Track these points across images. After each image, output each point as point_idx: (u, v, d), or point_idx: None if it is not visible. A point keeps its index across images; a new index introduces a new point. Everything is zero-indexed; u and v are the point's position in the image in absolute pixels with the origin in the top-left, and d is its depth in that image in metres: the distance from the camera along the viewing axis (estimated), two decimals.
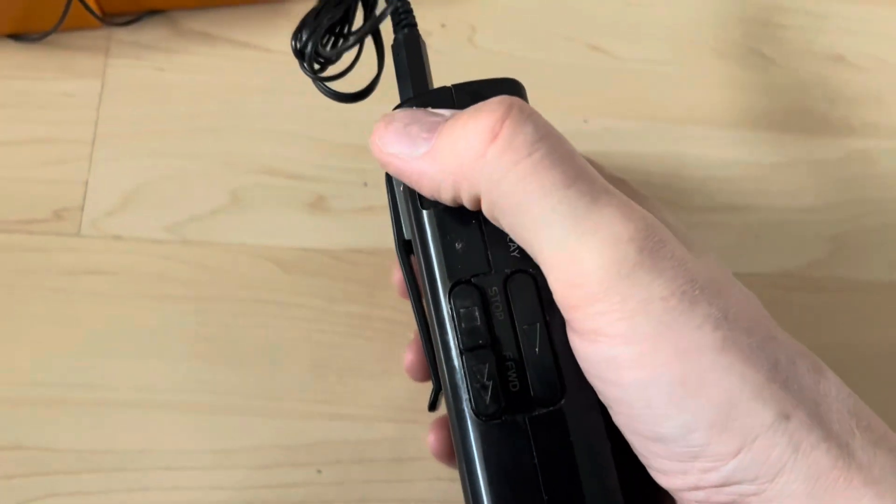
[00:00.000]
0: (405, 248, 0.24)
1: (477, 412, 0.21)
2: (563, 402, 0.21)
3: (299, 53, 0.23)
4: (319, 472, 0.32)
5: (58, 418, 0.31)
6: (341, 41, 0.24)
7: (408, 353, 0.29)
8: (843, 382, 0.20)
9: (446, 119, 0.21)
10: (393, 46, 0.25)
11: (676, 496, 0.20)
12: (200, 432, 0.32)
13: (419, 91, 0.24)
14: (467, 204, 0.21)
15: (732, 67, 0.39)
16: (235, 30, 0.37)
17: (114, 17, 0.36)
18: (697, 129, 0.38)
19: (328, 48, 0.23)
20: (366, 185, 0.35)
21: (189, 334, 0.33)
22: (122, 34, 0.36)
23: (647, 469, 0.21)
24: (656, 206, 0.24)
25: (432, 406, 0.26)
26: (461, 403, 0.21)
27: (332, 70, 0.24)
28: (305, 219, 0.35)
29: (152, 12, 0.37)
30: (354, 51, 0.24)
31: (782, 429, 0.18)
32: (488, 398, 0.21)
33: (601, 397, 0.20)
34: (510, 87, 0.23)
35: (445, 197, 0.21)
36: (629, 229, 0.19)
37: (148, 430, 0.31)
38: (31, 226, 0.33)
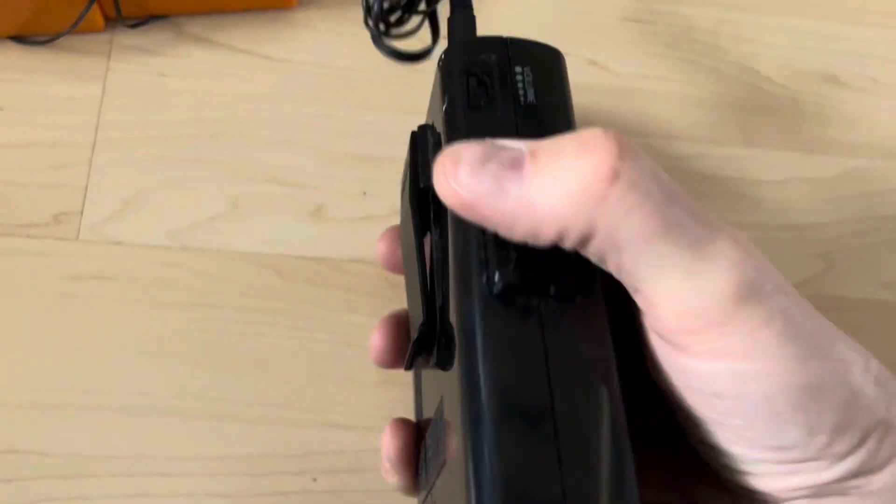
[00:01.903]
0: (419, 195, 0.25)
1: (498, 292, 0.20)
2: (577, 298, 0.20)
3: (367, 9, 0.24)
4: (315, 480, 0.32)
5: (55, 423, 0.31)
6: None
7: (381, 243, 0.29)
8: None
9: (527, 152, 0.19)
10: (449, 20, 0.27)
11: (773, 496, 0.21)
12: (198, 439, 0.32)
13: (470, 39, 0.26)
14: (569, 244, 0.20)
15: (728, 85, 0.39)
16: (238, 37, 0.37)
17: (116, 22, 0.36)
18: (691, 145, 0.38)
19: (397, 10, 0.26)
20: (365, 194, 0.36)
21: (188, 341, 0.33)
22: (124, 38, 0.36)
23: (732, 475, 0.21)
24: None
25: (417, 346, 0.24)
26: (474, 285, 0.20)
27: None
28: (305, 227, 0.35)
29: (155, 17, 0.37)
30: (413, 24, 0.26)
31: (891, 421, 0.20)
32: (511, 270, 0.20)
33: (710, 411, 0.20)
34: (555, 54, 0.25)
35: (542, 241, 0.20)
36: (743, 255, 0.19)
37: (145, 435, 0.31)
38: (30, 229, 0.33)
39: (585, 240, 0.19)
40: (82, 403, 0.32)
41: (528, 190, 0.19)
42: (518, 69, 0.24)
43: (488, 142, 0.20)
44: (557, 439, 0.19)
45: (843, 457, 0.20)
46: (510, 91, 0.24)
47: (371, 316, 0.34)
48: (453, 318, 0.21)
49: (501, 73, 0.24)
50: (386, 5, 0.25)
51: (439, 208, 0.24)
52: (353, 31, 0.38)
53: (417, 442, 0.28)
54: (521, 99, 0.23)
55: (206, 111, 0.36)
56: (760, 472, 0.21)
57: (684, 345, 0.20)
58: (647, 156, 0.19)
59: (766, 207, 0.38)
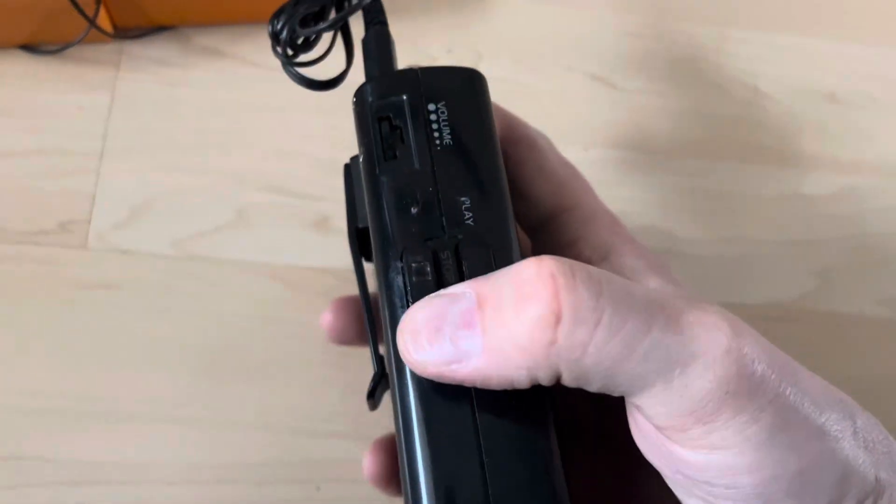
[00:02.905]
0: (358, 236, 0.25)
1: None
2: None
3: (274, 36, 0.24)
4: (318, 489, 0.32)
5: (60, 429, 0.32)
6: (317, 25, 0.24)
7: (326, 317, 0.29)
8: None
9: (474, 300, 0.20)
10: (363, 40, 0.26)
11: None
12: (202, 447, 0.32)
13: (385, 72, 0.25)
14: (546, 382, 0.20)
15: (729, 101, 0.40)
16: (246, 48, 0.37)
17: (125, 32, 0.36)
18: (691, 160, 0.39)
19: (303, 30, 0.24)
20: None
21: (192, 349, 0.33)
22: (132, 48, 0.37)
23: None
24: (666, 265, 0.24)
25: (371, 394, 0.25)
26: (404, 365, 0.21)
27: (302, 61, 0.24)
28: (310, 238, 0.35)
29: (163, 28, 0.37)
30: (325, 45, 0.25)
31: (879, 490, 0.20)
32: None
33: (700, 491, 0.20)
34: (472, 78, 0.24)
35: (521, 385, 0.20)
36: (721, 344, 0.19)
37: (150, 443, 0.32)
38: (38, 237, 0.34)
39: (558, 378, 0.19)
40: (87, 410, 0.32)
41: (486, 347, 0.19)
42: (431, 107, 0.23)
43: (434, 298, 0.20)
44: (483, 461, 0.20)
45: None
46: (424, 134, 0.23)
47: None
48: (392, 392, 0.22)
49: (413, 115, 0.23)
50: (297, 28, 0.23)
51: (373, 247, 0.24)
52: (358, 43, 0.38)
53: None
54: (437, 142, 0.23)
55: (214, 121, 0.36)
56: None
57: (678, 440, 0.20)
58: (586, 274, 0.19)
59: (763, 223, 0.38)
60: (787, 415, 0.19)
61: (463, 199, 0.22)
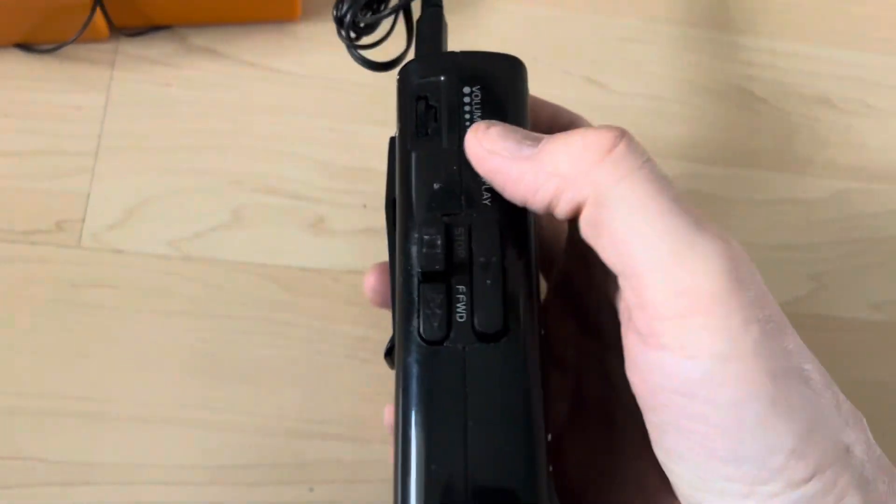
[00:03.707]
0: (392, 206, 0.25)
1: (423, 335, 0.22)
2: (503, 340, 0.22)
3: (338, 20, 0.25)
4: (311, 490, 0.32)
5: (55, 429, 0.32)
6: (379, 10, 0.26)
7: (370, 278, 0.30)
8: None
9: (547, 139, 0.22)
10: (418, 20, 0.27)
11: None
12: (196, 448, 0.32)
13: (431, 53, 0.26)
14: (560, 212, 0.22)
15: (725, 106, 0.40)
16: (242, 48, 0.37)
17: (122, 31, 0.36)
18: (686, 164, 0.39)
19: (366, 15, 0.25)
20: (365, 207, 0.36)
21: (187, 350, 0.33)
22: (129, 48, 0.37)
23: (691, 491, 0.21)
24: None
25: (389, 353, 0.26)
26: (409, 326, 0.22)
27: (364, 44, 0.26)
28: (306, 239, 0.35)
29: (160, 28, 0.37)
30: (387, 27, 0.26)
31: (848, 461, 0.19)
32: (436, 323, 0.22)
33: (671, 416, 0.21)
34: (511, 65, 0.25)
35: (540, 200, 0.22)
36: (734, 250, 0.20)
37: (144, 444, 0.32)
38: (32, 236, 0.34)
39: (576, 206, 0.21)
40: (82, 410, 0.32)
41: (538, 152, 0.22)
42: (466, 90, 0.24)
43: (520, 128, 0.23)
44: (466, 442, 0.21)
45: (796, 485, 0.19)
46: (456, 115, 0.24)
47: (370, 328, 0.34)
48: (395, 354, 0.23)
49: (448, 96, 0.24)
50: (353, 8, 0.25)
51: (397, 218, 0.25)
52: None
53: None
54: (467, 124, 0.24)
55: (210, 122, 0.36)
56: (715, 490, 0.21)
57: (663, 334, 0.20)
58: (645, 150, 0.21)
59: (757, 227, 0.38)
60: (774, 340, 0.20)
61: (484, 180, 0.23)
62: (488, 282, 0.22)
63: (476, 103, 0.24)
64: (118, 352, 0.33)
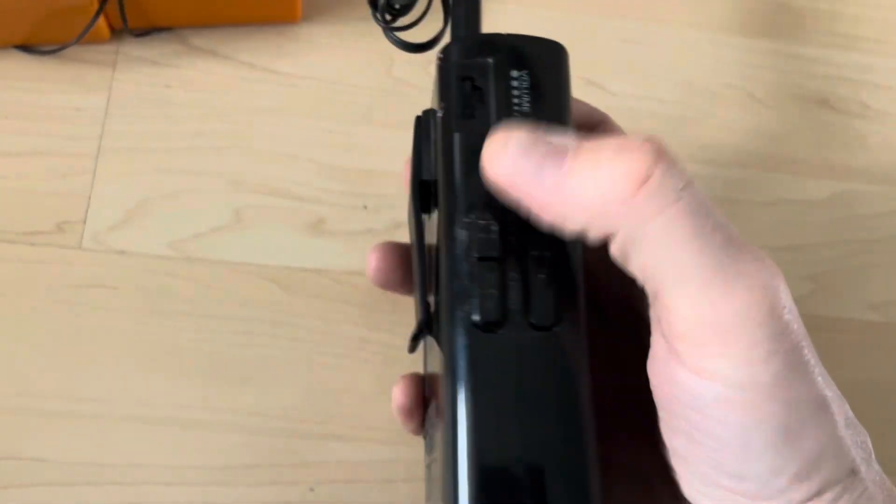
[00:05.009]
0: (421, 187, 0.25)
1: (479, 321, 0.21)
2: (555, 328, 0.22)
3: (373, 2, 0.24)
4: (312, 490, 0.32)
5: (55, 430, 0.32)
6: None
7: (372, 257, 0.29)
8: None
9: (574, 146, 0.21)
10: (453, 3, 0.27)
11: None
12: (197, 448, 0.32)
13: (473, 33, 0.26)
14: (592, 239, 0.21)
15: (724, 107, 0.40)
16: (243, 50, 0.37)
17: (123, 33, 0.37)
18: (687, 166, 0.39)
19: None
20: (365, 208, 0.36)
21: (188, 350, 0.33)
22: (130, 49, 0.37)
23: (688, 490, 0.22)
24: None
25: (415, 338, 0.25)
26: (460, 312, 0.22)
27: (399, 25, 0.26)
28: (306, 240, 0.35)
29: (161, 29, 0.37)
30: (422, 9, 0.26)
31: (851, 482, 0.20)
32: (493, 310, 0.21)
33: (684, 423, 0.21)
34: (557, 51, 0.25)
35: (568, 229, 0.21)
36: (767, 279, 0.20)
37: (145, 444, 0.32)
38: (33, 237, 0.34)
39: (607, 236, 0.20)
40: (83, 411, 0.32)
41: (564, 179, 0.20)
42: (514, 73, 0.24)
43: (540, 130, 0.21)
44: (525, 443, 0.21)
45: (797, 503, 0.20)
46: (504, 99, 0.24)
47: (370, 328, 0.34)
48: (441, 342, 0.22)
49: (497, 79, 0.24)
50: None
51: (437, 200, 0.25)
52: (356, 47, 0.38)
53: (423, 393, 0.30)
54: (516, 108, 0.24)
55: (210, 123, 0.36)
56: (715, 497, 0.21)
57: (687, 356, 0.20)
58: (683, 167, 0.20)
59: (756, 228, 0.39)
60: (795, 372, 0.20)
61: None
62: (544, 271, 0.22)
63: (524, 88, 0.24)
64: (119, 352, 0.33)
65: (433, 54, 0.26)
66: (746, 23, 0.42)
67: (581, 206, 0.20)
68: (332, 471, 0.32)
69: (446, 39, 0.27)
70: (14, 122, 0.35)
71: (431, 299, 0.24)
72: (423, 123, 0.26)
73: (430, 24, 0.28)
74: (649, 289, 0.21)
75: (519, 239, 0.22)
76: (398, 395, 0.29)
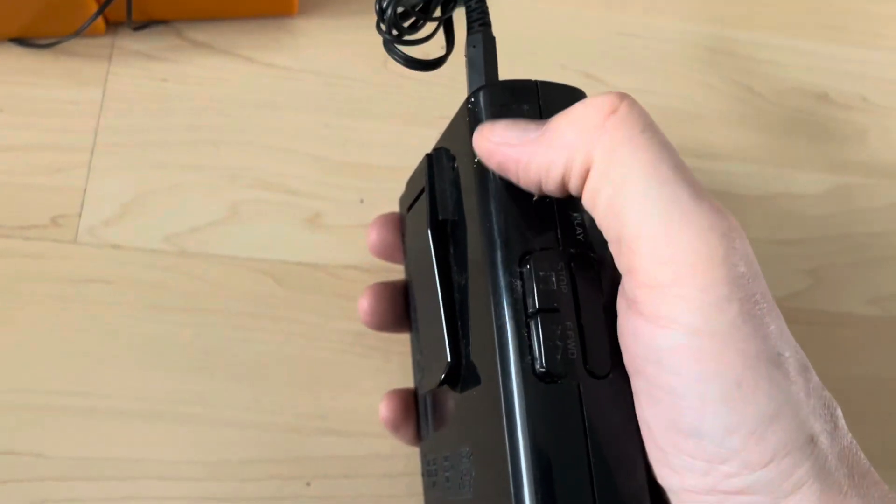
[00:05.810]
0: (437, 228, 0.26)
1: (539, 373, 0.22)
2: (609, 375, 0.22)
3: (381, 12, 0.25)
4: (308, 484, 0.32)
5: (52, 425, 0.32)
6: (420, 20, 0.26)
7: (364, 301, 0.30)
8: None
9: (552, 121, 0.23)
10: (468, 40, 0.27)
11: (677, 497, 0.21)
12: (193, 443, 0.32)
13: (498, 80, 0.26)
14: (574, 187, 0.22)
15: (722, 101, 0.40)
16: (240, 44, 0.37)
17: (118, 26, 0.36)
18: (686, 160, 0.39)
19: (409, 19, 0.25)
20: (362, 202, 0.36)
21: (184, 345, 0.33)
22: (126, 43, 0.37)
23: (656, 465, 0.21)
24: None
25: (443, 382, 0.26)
26: (516, 363, 0.22)
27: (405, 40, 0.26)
28: (302, 234, 0.35)
29: (157, 22, 0.37)
30: (428, 30, 0.26)
31: (810, 450, 0.19)
32: (558, 358, 0.22)
33: (645, 383, 0.21)
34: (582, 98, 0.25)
35: (554, 178, 0.22)
36: (725, 226, 0.20)
37: (141, 439, 0.32)
38: (28, 231, 0.34)
39: (586, 171, 0.21)
40: (79, 406, 0.32)
41: (544, 131, 0.22)
42: None
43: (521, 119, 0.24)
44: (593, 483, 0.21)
45: (753, 468, 0.19)
46: None
47: None
48: (496, 392, 0.22)
49: None
50: (400, 10, 0.25)
51: (457, 241, 0.25)
52: (352, 41, 0.38)
53: (411, 404, 0.30)
54: None
55: (206, 117, 0.36)
56: (676, 466, 0.21)
57: (645, 304, 0.20)
58: (649, 116, 0.22)
59: (755, 222, 0.38)
60: (750, 324, 0.20)
61: (575, 214, 0.24)
62: (599, 321, 0.22)
63: None
64: (114, 347, 0.33)
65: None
66: (745, 17, 0.42)
67: (561, 145, 0.22)
68: (328, 465, 0.32)
69: (451, 59, 0.27)
70: (9, 115, 0.35)
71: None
72: (436, 162, 0.26)
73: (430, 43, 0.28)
74: (613, 234, 0.21)
75: (570, 285, 0.22)
76: (384, 410, 0.30)
